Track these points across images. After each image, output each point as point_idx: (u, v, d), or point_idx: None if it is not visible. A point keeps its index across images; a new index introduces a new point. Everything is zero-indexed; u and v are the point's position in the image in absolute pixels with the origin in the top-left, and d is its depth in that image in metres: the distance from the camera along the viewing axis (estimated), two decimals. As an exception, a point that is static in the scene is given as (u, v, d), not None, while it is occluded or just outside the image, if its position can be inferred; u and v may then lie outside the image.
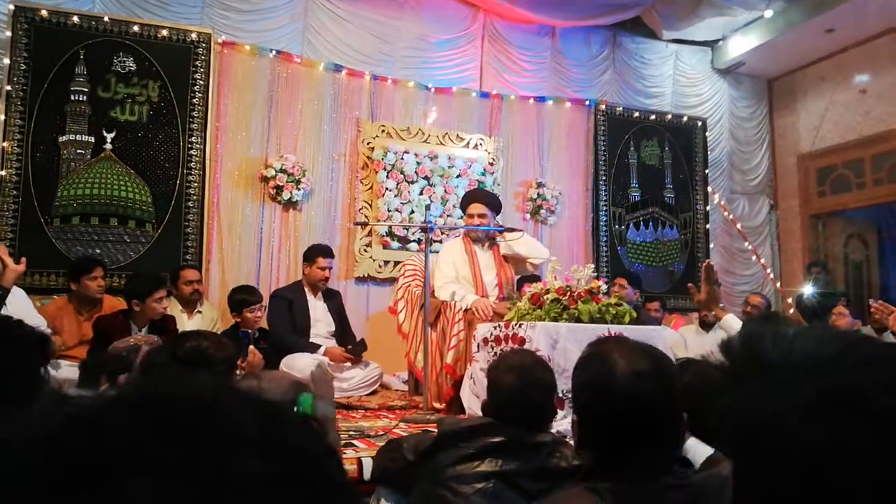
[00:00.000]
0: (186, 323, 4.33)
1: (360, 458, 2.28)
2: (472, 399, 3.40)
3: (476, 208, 4.22)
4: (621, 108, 6.65)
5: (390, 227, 5.57)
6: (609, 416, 1.18)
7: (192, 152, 5.01)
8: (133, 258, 4.79)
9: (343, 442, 2.62)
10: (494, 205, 4.36)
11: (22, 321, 0.74)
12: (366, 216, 5.57)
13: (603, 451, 1.20)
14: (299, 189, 5.32)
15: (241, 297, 4.10)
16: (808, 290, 5.98)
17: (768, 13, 6.39)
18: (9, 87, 4.57)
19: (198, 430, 0.37)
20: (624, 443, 1.16)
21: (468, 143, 6.01)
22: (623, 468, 1.16)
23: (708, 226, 6.86)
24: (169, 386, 0.41)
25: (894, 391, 0.51)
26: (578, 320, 3.28)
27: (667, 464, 1.19)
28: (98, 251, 4.66)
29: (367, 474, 2.19)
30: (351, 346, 4.45)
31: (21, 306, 3.77)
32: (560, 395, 3.02)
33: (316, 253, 4.67)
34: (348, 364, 4.40)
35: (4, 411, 0.38)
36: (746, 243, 6.94)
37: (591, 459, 1.22)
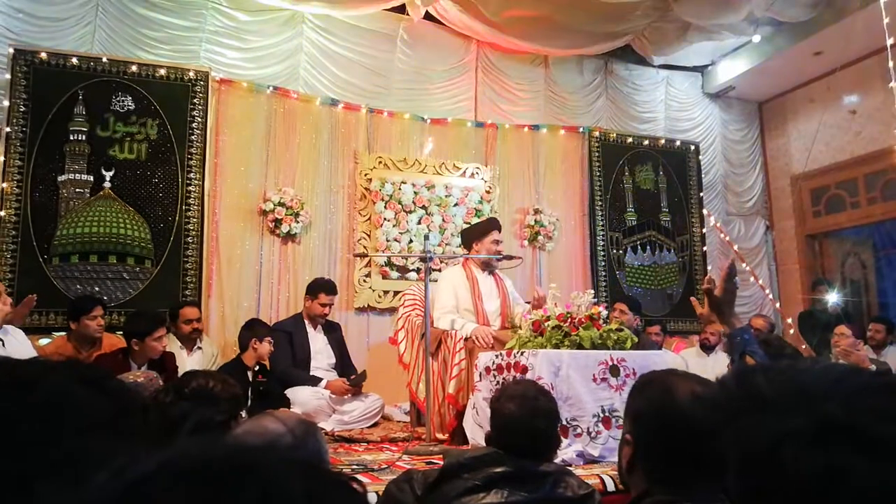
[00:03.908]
0: (186, 360, 4.31)
1: (364, 492, 2.25)
2: (476, 429, 3.38)
3: (499, 235, 4.38)
4: (615, 134, 6.73)
5: (389, 257, 5.58)
6: (670, 439, 1.18)
7: (191, 188, 5.05)
8: (132, 295, 4.79)
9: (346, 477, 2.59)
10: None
11: (110, 382, 0.73)
12: (364, 247, 5.59)
13: (660, 475, 1.21)
14: (298, 222, 5.35)
15: (249, 332, 4.22)
16: (832, 298, 6.04)
17: (756, 38, 6.50)
18: (8, 129, 4.61)
19: (247, 498, 0.38)
20: (683, 467, 1.16)
21: (465, 172, 6.06)
22: (681, 492, 1.16)
23: (705, 248, 6.89)
24: (218, 450, 0.42)
25: (888, 419, 0.52)
26: (580, 347, 3.28)
27: (717, 489, 1.19)
28: (97, 289, 4.66)
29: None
30: (353, 376, 4.44)
31: (20, 347, 3.77)
32: (564, 423, 3.01)
33: (319, 288, 4.68)
34: (348, 396, 4.38)
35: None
36: (744, 265, 6.96)
37: (644, 484, 1.23)
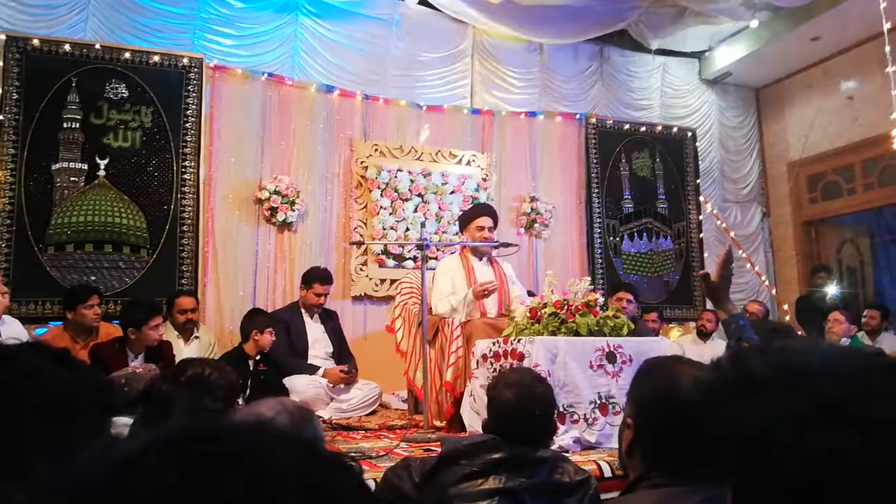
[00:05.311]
0: (183, 349, 4.31)
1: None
2: (473, 416, 3.39)
3: (486, 221, 4.27)
4: (611, 121, 6.70)
5: (386, 245, 5.57)
6: (672, 426, 1.18)
7: (186, 177, 5.02)
8: (128, 284, 4.78)
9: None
10: (496, 219, 4.43)
11: (75, 360, 0.73)
12: (361, 235, 5.58)
13: (659, 460, 1.21)
14: (294, 210, 5.33)
15: (250, 323, 4.20)
16: (832, 286, 6.10)
17: (754, 23, 6.47)
18: (1, 117, 4.57)
19: (242, 473, 0.37)
20: (683, 453, 1.16)
21: (461, 159, 6.03)
22: (678, 476, 1.16)
23: (701, 235, 6.89)
24: (210, 427, 0.41)
25: (886, 399, 0.51)
26: (577, 333, 3.29)
27: (716, 474, 1.19)
28: (93, 278, 4.64)
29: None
30: (347, 366, 4.45)
31: (16, 336, 3.76)
32: (561, 409, 3.02)
33: (313, 278, 4.66)
34: (342, 385, 4.39)
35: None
36: (740, 251, 6.97)
37: (643, 468, 1.23)
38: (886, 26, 5.49)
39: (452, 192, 5.89)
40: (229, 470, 0.38)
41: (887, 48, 5.56)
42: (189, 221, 4.99)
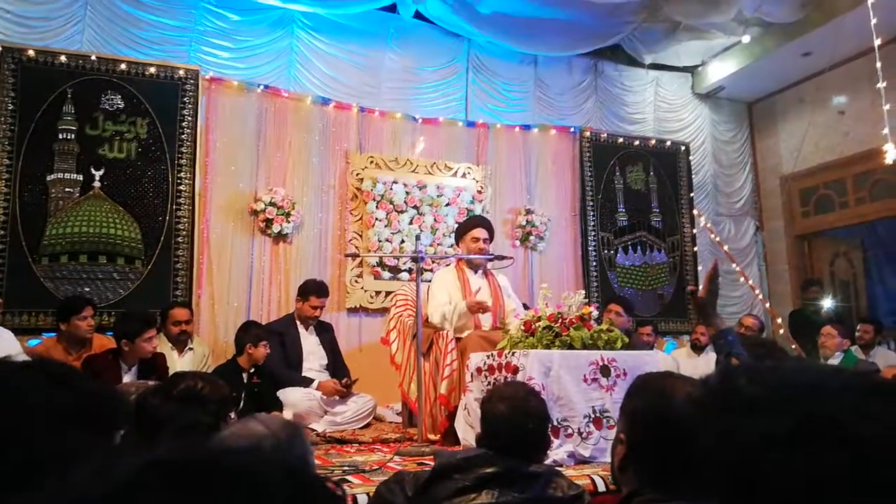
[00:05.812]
0: (177, 361, 4.29)
1: (354, 494, 2.25)
2: (467, 430, 3.38)
3: (481, 232, 4.30)
4: (605, 135, 6.74)
5: (381, 257, 5.58)
6: (664, 441, 1.18)
7: (182, 188, 5.02)
8: (122, 295, 4.76)
9: (337, 478, 2.59)
10: (492, 231, 4.46)
11: (79, 375, 0.73)
12: (356, 247, 5.58)
13: (652, 475, 1.21)
14: (289, 222, 5.33)
15: (244, 336, 4.16)
16: (825, 300, 6.14)
17: (745, 38, 6.53)
18: (-4, 128, 4.58)
19: (230, 501, 0.38)
20: (675, 469, 1.16)
21: (456, 171, 6.06)
22: (671, 491, 1.17)
23: (695, 248, 6.92)
24: (199, 453, 0.42)
25: (877, 417, 0.52)
26: (571, 347, 3.29)
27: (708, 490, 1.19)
28: (87, 289, 4.62)
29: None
30: (345, 380, 4.44)
31: (8, 348, 3.74)
32: (555, 423, 3.01)
33: (309, 291, 4.66)
34: (336, 398, 4.37)
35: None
36: (734, 265, 6.98)
37: (636, 483, 1.23)
38: (877, 42, 5.54)
39: (448, 205, 5.91)
40: (219, 499, 0.38)
41: (878, 64, 5.61)
42: (184, 233, 4.99)
